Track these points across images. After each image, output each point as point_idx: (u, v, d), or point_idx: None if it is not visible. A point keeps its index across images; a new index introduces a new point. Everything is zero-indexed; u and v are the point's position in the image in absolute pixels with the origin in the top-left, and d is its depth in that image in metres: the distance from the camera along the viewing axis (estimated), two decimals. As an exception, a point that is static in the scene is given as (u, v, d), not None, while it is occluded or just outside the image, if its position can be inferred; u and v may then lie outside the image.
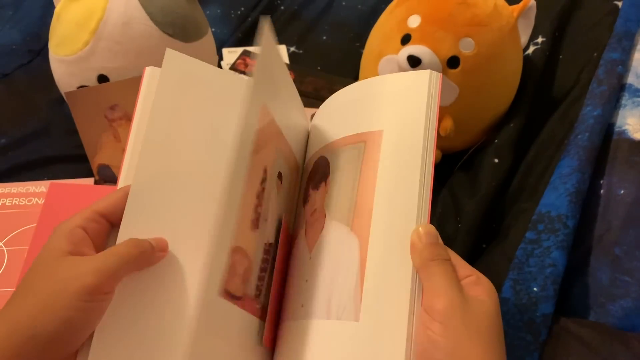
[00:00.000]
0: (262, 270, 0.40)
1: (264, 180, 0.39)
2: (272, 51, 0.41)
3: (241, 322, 0.37)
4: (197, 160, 0.40)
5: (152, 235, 0.36)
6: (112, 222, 0.37)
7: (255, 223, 0.38)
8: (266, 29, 0.38)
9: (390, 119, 0.41)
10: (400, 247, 0.37)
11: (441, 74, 0.42)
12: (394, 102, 0.42)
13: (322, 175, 0.43)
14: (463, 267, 0.37)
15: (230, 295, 0.35)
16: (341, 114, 0.45)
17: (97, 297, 0.32)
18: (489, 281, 0.37)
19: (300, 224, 0.44)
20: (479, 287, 0.36)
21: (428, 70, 0.42)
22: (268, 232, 0.41)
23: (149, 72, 0.43)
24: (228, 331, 0.36)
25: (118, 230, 0.37)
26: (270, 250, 0.41)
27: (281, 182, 0.43)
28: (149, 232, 0.37)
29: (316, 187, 0.43)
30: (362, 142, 0.42)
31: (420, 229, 0.37)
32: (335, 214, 0.40)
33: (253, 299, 0.38)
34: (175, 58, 0.42)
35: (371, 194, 0.39)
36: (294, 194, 0.46)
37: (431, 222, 0.64)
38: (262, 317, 0.39)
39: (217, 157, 0.40)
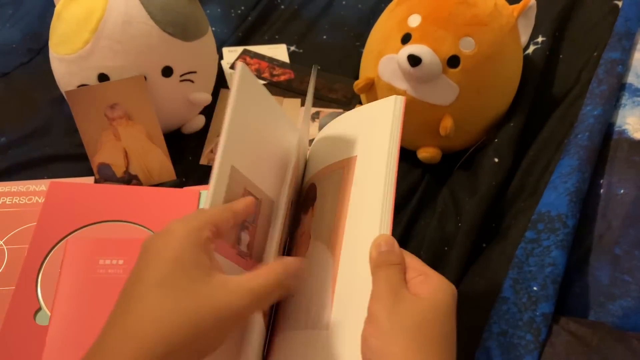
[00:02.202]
0: None
1: (287, 210, 0.45)
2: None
3: (261, 336, 0.40)
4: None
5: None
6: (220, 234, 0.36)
7: (282, 248, 0.44)
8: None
9: (361, 144, 0.45)
10: (363, 260, 0.40)
11: (404, 97, 0.45)
12: (366, 128, 0.46)
13: (310, 200, 0.48)
14: (415, 269, 0.38)
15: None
16: (328, 144, 0.50)
17: (245, 321, 0.34)
18: (442, 279, 0.37)
19: (292, 245, 0.49)
20: (425, 286, 0.37)
21: (394, 96, 0.45)
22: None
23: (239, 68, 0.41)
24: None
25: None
26: None
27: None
28: None
29: (305, 212, 0.48)
30: (342, 168, 0.46)
31: (378, 239, 0.39)
32: (318, 234, 0.45)
33: (266, 312, 0.43)
34: (247, 76, 0.42)
35: (345, 214, 0.43)
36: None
37: (431, 221, 0.65)
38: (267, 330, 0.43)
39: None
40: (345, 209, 0.43)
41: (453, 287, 0.38)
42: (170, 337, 0.29)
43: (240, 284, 0.32)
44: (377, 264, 0.38)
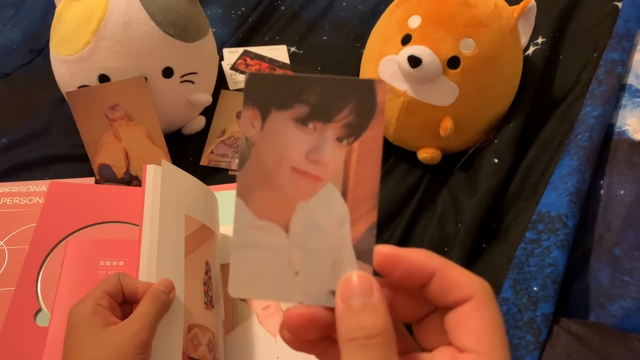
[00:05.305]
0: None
1: (208, 270, 0.51)
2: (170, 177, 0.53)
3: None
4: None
5: None
6: (115, 300, 0.43)
7: (209, 304, 0.50)
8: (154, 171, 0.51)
9: None
10: None
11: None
12: None
13: None
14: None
15: None
16: None
17: (149, 348, 0.40)
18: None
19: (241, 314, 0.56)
20: None
21: None
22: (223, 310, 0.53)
23: (151, 170, 0.51)
24: None
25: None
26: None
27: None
28: None
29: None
30: None
31: (346, 279, 0.22)
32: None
33: None
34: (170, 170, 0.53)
35: None
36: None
37: (431, 222, 0.65)
38: None
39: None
40: None
41: None
42: None
43: (130, 319, 0.40)
44: (345, 337, 0.21)
